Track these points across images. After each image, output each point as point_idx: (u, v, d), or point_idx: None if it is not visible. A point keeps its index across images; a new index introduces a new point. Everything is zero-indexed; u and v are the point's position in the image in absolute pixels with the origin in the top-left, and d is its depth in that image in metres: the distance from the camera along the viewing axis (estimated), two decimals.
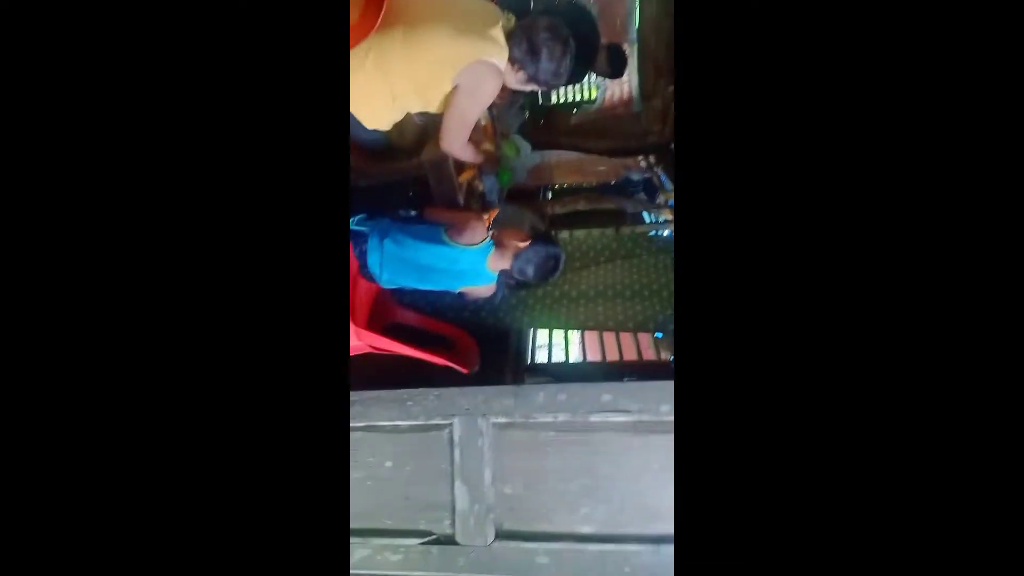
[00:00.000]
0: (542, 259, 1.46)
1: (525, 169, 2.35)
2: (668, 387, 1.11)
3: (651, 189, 2.79)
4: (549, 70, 1.30)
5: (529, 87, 1.38)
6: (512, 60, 1.30)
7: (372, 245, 1.49)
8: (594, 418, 1.15)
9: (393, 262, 1.50)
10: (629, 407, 1.13)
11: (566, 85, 1.49)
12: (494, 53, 1.28)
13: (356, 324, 1.40)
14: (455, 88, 1.30)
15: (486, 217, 1.55)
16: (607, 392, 1.14)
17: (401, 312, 1.77)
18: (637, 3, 2.94)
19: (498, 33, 1.28)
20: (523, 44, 1.28)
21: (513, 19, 1.34)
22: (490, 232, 1.52)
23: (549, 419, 1.16)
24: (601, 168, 2.96)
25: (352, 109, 1.34)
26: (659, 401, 1.11)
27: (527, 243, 1.48)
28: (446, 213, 1.60)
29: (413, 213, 1.67)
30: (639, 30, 3.03)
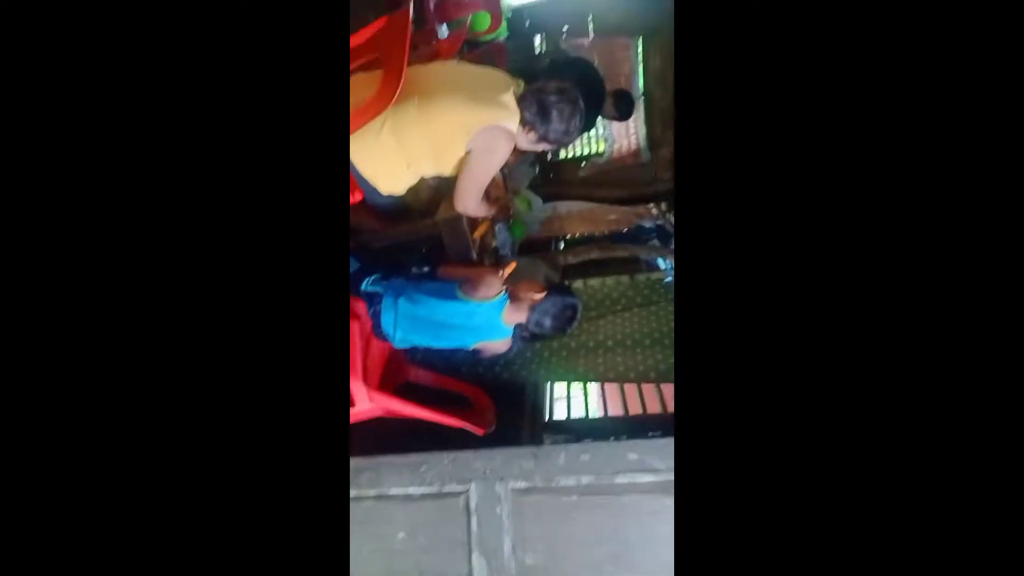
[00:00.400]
0: (559, 309, 1.45)
1: (537, 222, 2.37)
2: None
3: (664, 235, 2.77)
4: (559, 130, 1.35)
5: (541, 146, 1.41)
6: (523, 122, 1.35)
7: (386, 305, 1.49)
8: (620, 479, 1.08)
9: (407, 321, 1.48)
10: (657, 466, 1.05)
11: (578, 137, 1.51)
12: (505, 118, 1.32)
13: (369, 386, 1.37)
14: (469, 152, 1.34)
15: (502, 272, 1.54)
16: (632, 451, 1.07)
17: (414, 371, 1.74)
18: (641, 57, 3.06)
19: (509, 99, 1.34)
20: (533, 107, 1.33)
21: (523, 85, 1.40)
22: (505, 286, 1.52)
23: (572, 482, 1.10)
24: (612, 217, 2.95)
25: (368, 175, 1.38)
26: None
27: (543, 294, 1.47)
28: (460, 269, 1.59)
29: (427, 269, 1.66)
30: (644, 82, 3.13)
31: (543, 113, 1.33)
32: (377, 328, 1.50)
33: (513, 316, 1.50)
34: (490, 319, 1.49)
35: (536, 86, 1.36)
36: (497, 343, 1.55)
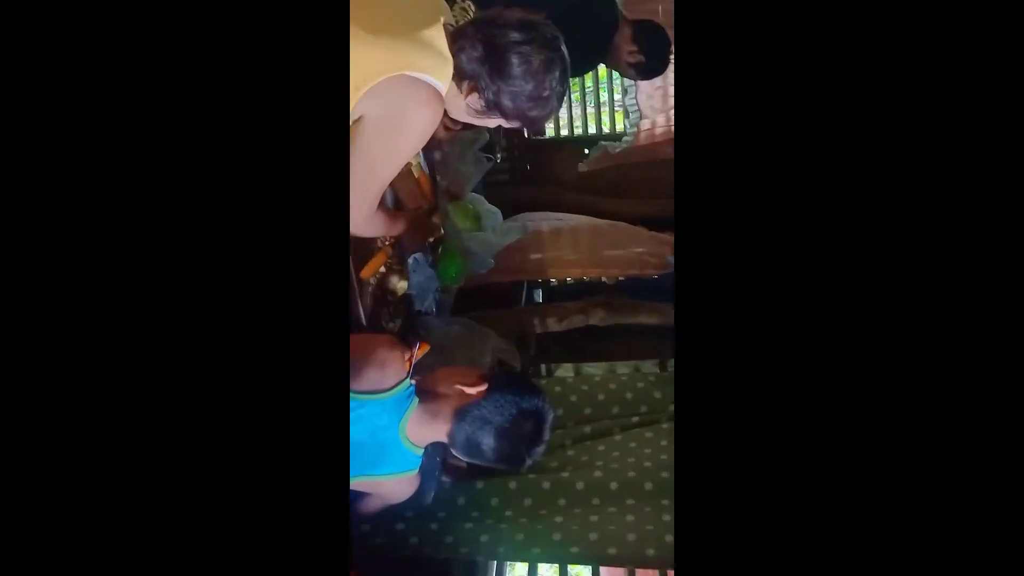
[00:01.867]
0: (510, 420, 1.49)
1: (491, 252, 2.48)
2: None
3: None
4: (523, 92, 1.42)
5: (492, 121, 1.51)
6: (460, 75, 1.43)
7: None
8: None
9: None
10: None
11: (559, 106, 1.60)
12: (426, 66, 1.38)
13: None
14: (357, 121, 1.39)
15: (407, 354, 1.58)
16: None
17: None
18: None
19: (436, 34, 1.41)
20: (478, 49, 1.40)
21: (473, 9, 1.54)
22: (411, 376, 1.55)
23: None
24: (636, 249, 3.01)
25: None
26: None
27: (481, 388, 1.49)
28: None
29: None
30: None
31: (494, 60, 1.39)
32: None
33: (425, 428, 1.53)
34: (380, 431, 1.51)
35: (487, 14, 1.45)
36: (392, 481, 1.57)
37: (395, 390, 1.52)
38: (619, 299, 2.94)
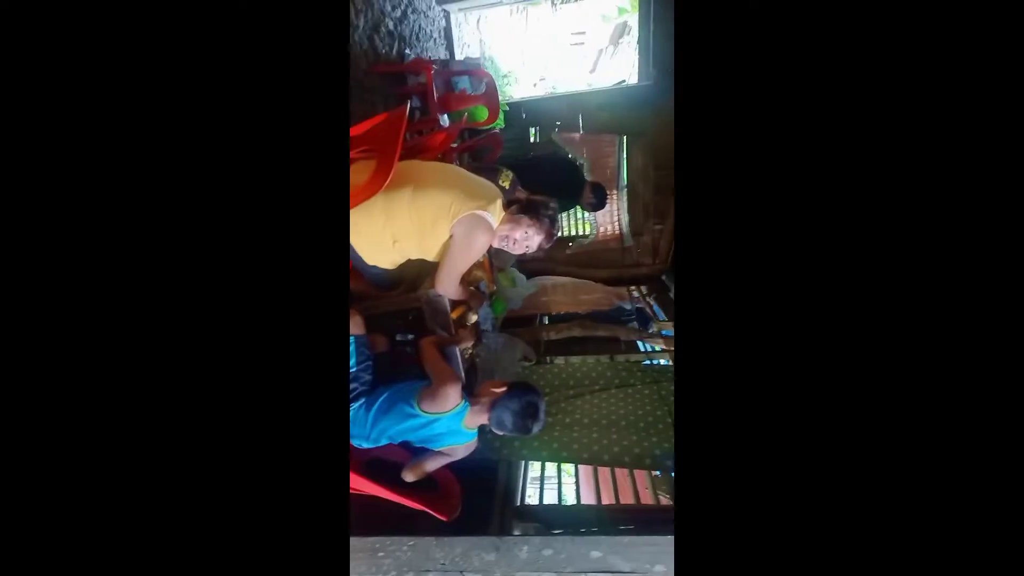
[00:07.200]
0: (521, 406, 1.73)
1: (521, 298, 3.05)
2: (663, 543, 1.20)
3: (644, 319, 3.48)
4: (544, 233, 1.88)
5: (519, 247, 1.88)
6: (513, 211, 1.82)
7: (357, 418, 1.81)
8: None
9: (371, 429, 1.80)
10: (620, 567, 1.18)
11: (558, 217, 1.99)
12: (489, 211, 1.77)
13: None
14: (451, 237, 1.76)
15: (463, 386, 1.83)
16: (596, 548, 1.22)
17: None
18: (625, 155, 3.98)
19: (494, 196, 1.82)
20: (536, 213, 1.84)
21: (511, 176, 2.05)
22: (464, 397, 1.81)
23: None
24: (595, 295, 3.75)
25: (353, 243, 1.86)
26: (653, 560, 1.17)
27: (503, 389, 1.76)
28: (435, 360, 1.86)
29: (411, 336, 2.14)
30: (628, 178, 4.06)
31: (536, 213, 1.83)
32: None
33: (475, 419, 1.79)
34: (451, 426, 1.77)
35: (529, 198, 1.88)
36: (461, 447, 1.83)
37: (456, 408, 1.73)
38: (586, 322, 3.44)
